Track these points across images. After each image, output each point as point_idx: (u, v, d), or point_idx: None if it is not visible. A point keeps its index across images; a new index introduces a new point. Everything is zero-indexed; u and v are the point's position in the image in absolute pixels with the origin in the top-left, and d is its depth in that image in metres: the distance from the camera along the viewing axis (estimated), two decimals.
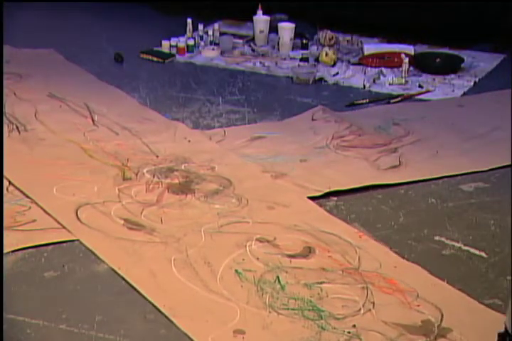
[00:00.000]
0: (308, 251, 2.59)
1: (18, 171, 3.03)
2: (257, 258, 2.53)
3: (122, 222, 2.73)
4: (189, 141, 3.38)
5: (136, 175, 3.05)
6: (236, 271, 2.47)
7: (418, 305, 2.33)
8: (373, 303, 2.34)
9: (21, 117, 3.52)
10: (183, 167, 3.12)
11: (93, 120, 3.54)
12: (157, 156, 3.21)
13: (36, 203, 2.82)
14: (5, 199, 2.83)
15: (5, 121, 3.47)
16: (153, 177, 3.04)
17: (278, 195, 2.91)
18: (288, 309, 2.30)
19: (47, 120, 3.51)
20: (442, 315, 2.29)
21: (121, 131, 3.44)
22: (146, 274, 2.44)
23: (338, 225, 2.72)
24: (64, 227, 2.68)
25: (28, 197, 2.86)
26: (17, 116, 3.53)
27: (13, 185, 2.94)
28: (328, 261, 2.54)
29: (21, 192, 2.89)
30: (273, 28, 4.62)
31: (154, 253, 2.55)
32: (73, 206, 2.80)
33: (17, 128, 3.42)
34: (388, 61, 4.34)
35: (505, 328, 2.01)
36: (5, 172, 2.99)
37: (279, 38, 4.56)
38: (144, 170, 3.08)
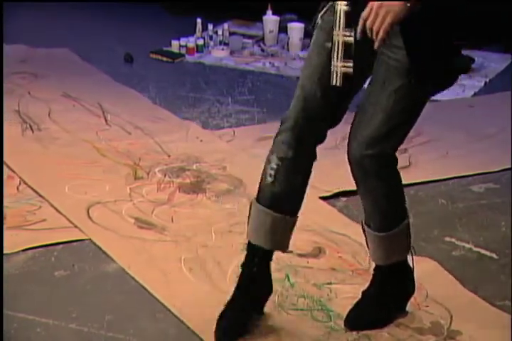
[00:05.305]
0: (318, 252, 2.59)
1: (32, 170, 3.04)
2: None
3: (133, 220, 2.73)
4: (201, 141, 3.38)
5: (148, 174, 3.05)
6: None
7: (427, 306, 2.32)
8: None
9: (35, 116, 3.53)
10: (194, 167, 3.12)
11: (106, 119, 3.55)
12: (169, 156, 3.21)
13: (48, 202, 2.82)
14: (15, 198, 2.84)
15: (19, 120, 3.48)
16: (165, 176, 3.04)
17: None
18: (297, 309, 2.30)
19: (60, 119, 3.52)
20: (452, 317, 2.28)
21: (133, 130, 3.45)
22: (156, 273, 2.44)
23: (348, 225, 2.71)
24: (75, 226, 2.68)
25: (40, 195, 2.86)
26: (31, 116, 3.54)
27: (25, 183, 2.94)
28: (338, 261, 2.53)
29: (34, 190, 2.89)
30: (282, 28, 4.61)
31: (165, 252, 2.55)
32: (85, 205, 2.80)
33: (31, 127, 3.43)
34: None
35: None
36: (18, 171, 3.00)
37: (289, 38, 4.55)
38: (156, 170, 3.08)
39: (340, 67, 2.01)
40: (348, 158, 2.10)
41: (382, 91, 2.02)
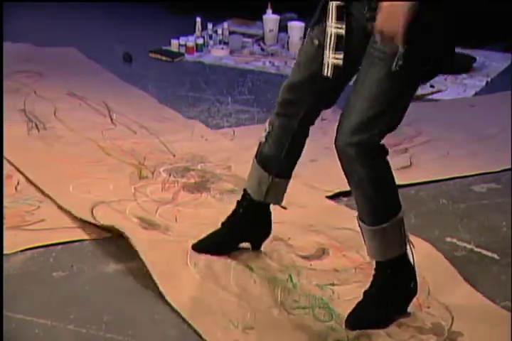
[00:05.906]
0: (322, 253, 2.57)
1: (36, 169, 3.02)
2: (270, 258, 2.52)
3: (137, 220, 2.71)
4: (206, 140, 3.37)
5: (153, 173, 3.04)
6: (250, 269, 2.45)
7: (428, 307, 2.31)
8: None
9: (41, 115, 3.53)
10: (199, 167, 3.11)
11: (111, 119, 3.54)
12: (174, 155, 3.20)
13: (52, 200, 2.80)
14: (14, 198, 2.82)
15: (24, 119, 3.48)
16: (170, 176, 3.02)
17: (293, 195, 2.87)
18: (299, 308, 2.29)
19: (66, 118, 3.51)
20: (453, 318, 2.27)
21: (138, 129, 3.44)
22: (159, 273, 2.42)
23: (352, 219, 2.69)
24: (79, 226, 2.65)
25: (44, 194, 2.84)
26: (37, 115, 3.54)
27: (30, 182, 2.92)
28: (341, 261, 2.52)
29: (38, 189, 2.87)
30: (283, 27, 4.60)
31: (168, 252, 2.52)
32: (89, 204, 2.77)
33: (36, 126, 3.42)
34: None
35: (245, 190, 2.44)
36: (23, 170, 2.99)
37: (289, 37, 4.54)
38: (161, 169, 3.07)
39: (331, 58, 2.08)
40: (336, 149, 2.11)
41: (367, 79, 2.04)
